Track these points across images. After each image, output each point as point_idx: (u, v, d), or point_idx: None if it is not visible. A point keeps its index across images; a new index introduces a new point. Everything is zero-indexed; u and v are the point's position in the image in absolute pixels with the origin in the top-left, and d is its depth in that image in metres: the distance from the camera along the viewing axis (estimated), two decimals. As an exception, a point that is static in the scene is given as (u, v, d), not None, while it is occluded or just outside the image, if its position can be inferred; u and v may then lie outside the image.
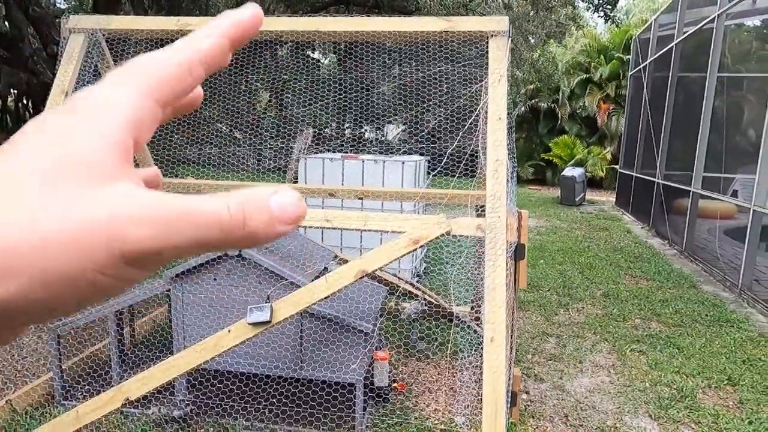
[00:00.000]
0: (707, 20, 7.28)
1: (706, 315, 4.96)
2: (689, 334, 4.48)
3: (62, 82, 2.96)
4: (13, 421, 2.83)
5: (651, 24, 10.85)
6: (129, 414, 2.88)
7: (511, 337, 2.96)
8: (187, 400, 2.92)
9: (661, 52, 9.78)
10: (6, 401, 2.86)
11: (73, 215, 0.22)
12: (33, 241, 0.21)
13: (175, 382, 2.74)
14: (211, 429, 2.82)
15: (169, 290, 2.92)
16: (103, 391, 2.53)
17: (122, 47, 3.53)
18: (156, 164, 4.09)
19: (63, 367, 3.11)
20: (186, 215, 0.24)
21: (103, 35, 3.21)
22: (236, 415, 2.92)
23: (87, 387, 3.19)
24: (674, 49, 8.83)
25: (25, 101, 30.19)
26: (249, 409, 2.98)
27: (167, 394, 2.91)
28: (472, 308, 4.25)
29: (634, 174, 11.20)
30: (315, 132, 6.86)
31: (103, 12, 9.08)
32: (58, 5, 19.24)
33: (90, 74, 3.22)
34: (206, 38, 0.28)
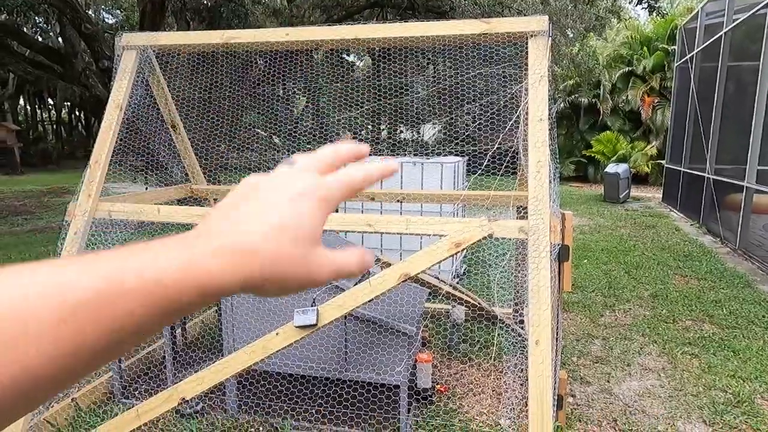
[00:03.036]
0: (760, 6, 6.93)
1: (764, 316, 4.73)
2: (745, 337, 4.29)
3: (117, 97, 3.12)
4: (78, 417, 3.00)
5: (698, 13, 10.41)
6: (184, 412, 3.01)
7: (556, 340, 2.92)
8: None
9: (710, 41, 9.37)
10: (71, 399, 3.04)
11: (307, 256, 0.39)
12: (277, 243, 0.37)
13: (226, 382, 2.84)
14: (261, 428, 2.91)
15: (218, 294, 3.04)
16: (158, 389, 2.66)
17: (167, 59, 3.69)
18: (202, 170, 4.25)
19: (122, 366, 3.28)
20: (339, 268, 0.41)
21: (153, 51, 3.37)
22: (284, 415, 3.00)
23: (144, 386, 3.35)
24: (723, 37, 8.44)
25: (77, 113, 31.82)
26: (297, 409, 3.06)
27: (219, 394, 3.03)
28: (515, 310, 4.21)
29: (681, 169, 10.77)
30: (351, 135, 6.94)
31: (148, 25, 9.46)
32: (106, 20, 20.16)
33: (142, 88, 3.39)
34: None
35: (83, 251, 2.84)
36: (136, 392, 3.29)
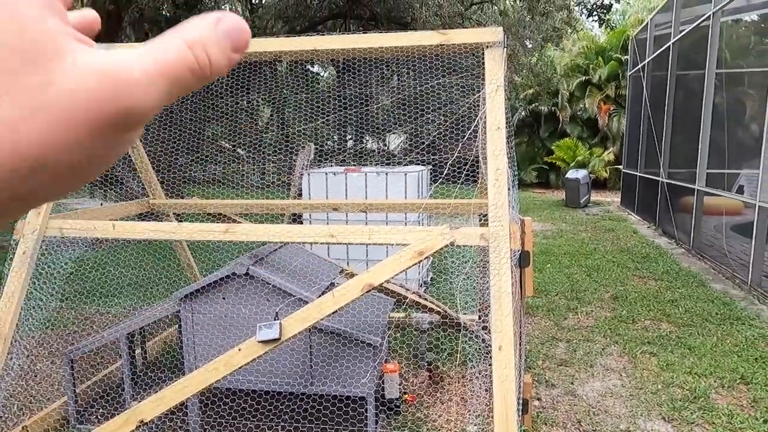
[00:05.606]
0: (703, 18, 7.31)
1: (717, 313, 4.93)
2: (700, 334, 4.45)
3: (68, 111, 3.01)
4: (29, 446, 2.85)
5: (647, 24, 10.89)
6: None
7: (520, 345, 2.97)
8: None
9: (659, 51, 9.81)
10: (22, 428, 2.89)
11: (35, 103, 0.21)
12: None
13: (187, 402, 2.76)
14: (225, 448, 2.84)
15: (178, 311, 2.96)
16: (117, 413, 2.56)
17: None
18: (162, 185, 4.15)
19: (77, 391, 3.14)
20: (158, 74, 0.24)
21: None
22: (249, 432, 2.93)
23: (101, 410, 3.21)
24: (672, 47, 8.85)
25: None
26: (262, 427, 3.00)
27: (180, 414, 2.93)
28: (479, 317, 4.25)
29: (637, 174, 11.18)
30: (316, 147, 6.93)
31: (104, 36, 9.22)
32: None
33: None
34: None
35: (33, 272, 2.72)
36: (93, 417, 3.15)
